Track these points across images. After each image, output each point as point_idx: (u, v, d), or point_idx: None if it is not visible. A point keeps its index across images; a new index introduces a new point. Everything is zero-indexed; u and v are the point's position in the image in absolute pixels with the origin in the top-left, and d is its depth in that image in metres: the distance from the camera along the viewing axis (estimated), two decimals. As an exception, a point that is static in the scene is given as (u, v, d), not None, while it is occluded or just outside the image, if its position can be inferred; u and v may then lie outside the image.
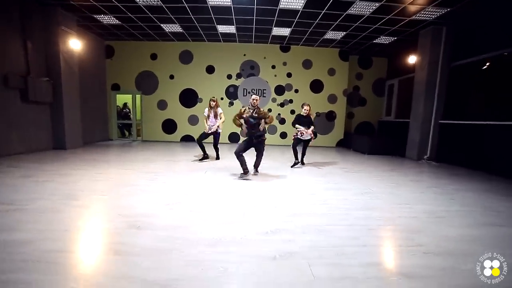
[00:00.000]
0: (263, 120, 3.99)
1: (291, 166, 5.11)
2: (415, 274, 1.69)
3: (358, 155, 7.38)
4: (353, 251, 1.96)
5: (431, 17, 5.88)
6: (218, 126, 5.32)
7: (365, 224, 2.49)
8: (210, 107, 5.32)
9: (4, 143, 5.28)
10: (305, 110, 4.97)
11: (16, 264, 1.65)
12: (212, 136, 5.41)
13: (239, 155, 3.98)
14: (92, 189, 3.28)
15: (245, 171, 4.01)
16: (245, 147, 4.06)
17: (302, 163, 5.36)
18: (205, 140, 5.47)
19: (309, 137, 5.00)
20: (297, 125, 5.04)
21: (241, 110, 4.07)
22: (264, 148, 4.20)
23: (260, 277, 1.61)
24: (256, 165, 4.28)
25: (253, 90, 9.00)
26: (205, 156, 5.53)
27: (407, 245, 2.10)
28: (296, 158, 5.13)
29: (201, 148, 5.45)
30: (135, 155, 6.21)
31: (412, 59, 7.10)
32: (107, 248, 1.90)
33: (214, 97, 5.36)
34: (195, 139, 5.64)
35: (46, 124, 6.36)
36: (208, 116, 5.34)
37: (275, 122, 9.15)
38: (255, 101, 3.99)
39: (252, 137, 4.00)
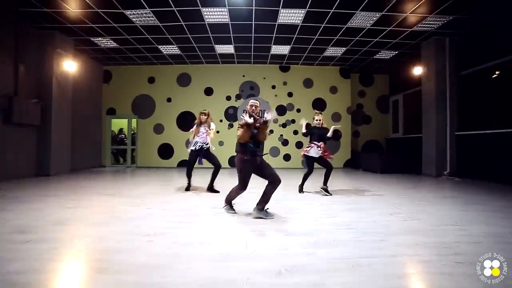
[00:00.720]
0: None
1: (299, 190, 4.13)
2: None
3: (370, 175, 6.73)
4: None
5: (433, 27, 5.73)
6: (208, 143, 4.20)
7: (413, 254, 1.83)
8: (201, 123, 4.20)
9: (-24, 170, 4.73)
10: (317, 120, 4.09)
11: None
12: (202, 157, 4.16)
13: (242, 189, 2.75)
14: (56, 218, 2.64)
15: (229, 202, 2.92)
16: (251, 173, 2.72)
17: (326, 191, 3.96)
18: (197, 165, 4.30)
19: (319, 153, 3.89)
20: (302, 121, 4.19)
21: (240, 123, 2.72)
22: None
23: None
24: (269, 198, 2.73)
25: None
26: (189, 185, 4.32)
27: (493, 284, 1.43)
28: (302, 183, 4.14)
29: (188, 176, 4.30)
30: (123, 181, 5.60)
31: (417, 71, 6.84)
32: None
33: (205, 110, 4.34)
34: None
35: (30, 148, 5.86)
36: (197, 131, 4.19)
37: (278, 144, 8.64)
38: (254, 107, 2.78)
39: (256, 155, 2.64)
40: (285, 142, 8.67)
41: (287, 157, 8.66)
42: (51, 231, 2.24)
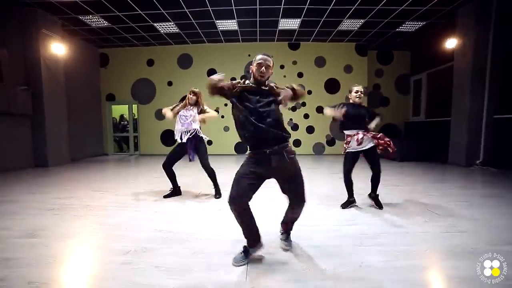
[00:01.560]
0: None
1: (342, 207, 2.75)
2: None
3: (389, 163, 6.10)
4: None
5: (475, -11, 4.76)
6: (199, 128, 3.13)
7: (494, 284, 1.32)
8: (188, 104, 3.11)
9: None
10: (357, 95, 2.67)
11: None
12: (188, 148, 3.07)
13: (238, 203, 1.56)
14: (27, 226, 2.27)
15: (255, 242, 1.69)
16: (251, 184, 1.58)
17: (376, 201, 2.73)
18: (182, 164, 3.29)
19: (372, 144, 2.62)
20: (328, 110, 2.61)
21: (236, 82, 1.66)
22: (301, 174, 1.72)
23: None
24: (291, 226, 1.87)
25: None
26: (175, 191, 3.25)
27: None
28: (350, 193, 2.77)
29: (170, 177, 3.19)
30: (122, 172, 5.27)
31: (450, 44, 5.87)
32: None
33: (195, 89, 3.16)
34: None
35: (25, 139, 5.57)
36: (180, 115, 3.07)
37: (287, 128, 8.05)
38: (263, 68, 1.60)
39: (265, 151, 1.55)
40: (295, 127, 8.07)
41: (297, 143, 8.10)
42: (12, 247, 1.86)
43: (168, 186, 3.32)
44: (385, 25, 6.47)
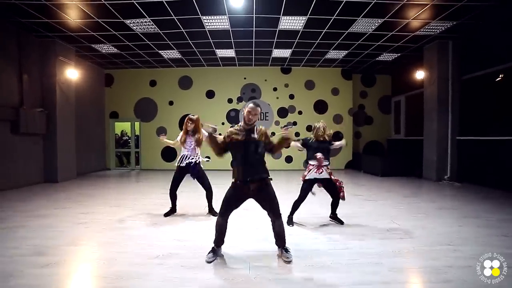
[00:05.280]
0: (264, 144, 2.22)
1: (288, 222, 3.08)
2: None
3: (370, 178, 6.82)
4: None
5: (436, 31, 5.68)
6: (198, 155, 3.46)
7: (405, 281, 1.93)
8: (187, 132, 3.40)
9: (-11, 180, 4.90)
10: (320, 131, 3.11)
11: None
12: (193, 175, 3.44)
13: (223, 215, 2.24)
14: (69, 236, 2.78)
15: (220, 244, 2.31)
16: (235, 201, 2.23)
17: (336, 219, 3.21)
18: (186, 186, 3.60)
19: (326, 175, 3.01)
20: (293, 143, 3.00)
21: (228, 132, 2.24)
22: (275, 196, 2.24)
23: None
24: (282, 239, 2.26)
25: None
26: (173, 210, 3.59)
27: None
28: (291, 212, 3.15)
29: (172, 199, 3.56)
30: (129, 187, 5.75)
31: (419, 75, 6.82)
32: None
33: (193, 115, 3.44)
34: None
35: (37, 156, 6.02)
36: (185, 140, 3.41)
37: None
38: (251, 115, 2.13)
39: (246, 180, 2.10)
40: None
41: (288, 159, 8.75)
42: (66, 253, 2.38)
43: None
44: (366, 55, 7.37)
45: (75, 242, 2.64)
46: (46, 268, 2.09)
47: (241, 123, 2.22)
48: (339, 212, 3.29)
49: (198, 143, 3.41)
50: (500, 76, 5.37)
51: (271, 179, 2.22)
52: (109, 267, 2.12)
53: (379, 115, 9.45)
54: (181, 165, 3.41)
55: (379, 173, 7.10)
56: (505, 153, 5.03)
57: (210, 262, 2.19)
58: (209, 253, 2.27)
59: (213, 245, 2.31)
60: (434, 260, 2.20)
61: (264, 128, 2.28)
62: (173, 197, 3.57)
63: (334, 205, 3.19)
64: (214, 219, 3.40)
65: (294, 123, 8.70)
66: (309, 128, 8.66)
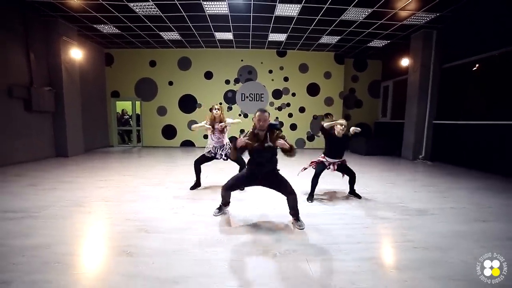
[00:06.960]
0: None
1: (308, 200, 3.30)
2: (407, 266, 1.83)
3: (355, 157, 7.53)
4: (348, 248, 2.10)
5: (422, 21, 6.09)
6: (228, 143, 3.64)
7: (361, 223, 2.63)
8: (214, 119, 3.54)
9: (9, 152, 5.39)
10: (342, 128, 3.46)
11: (37, 266, 1.76)
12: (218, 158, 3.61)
13: (228, 189, 2.62)
14: (97, 195, 3.39)
15: (226, 204, 2.80)
16: (244, 183, 2.62)
17: (355, 194, 3.51)
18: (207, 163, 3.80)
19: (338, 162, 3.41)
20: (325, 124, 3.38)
21: (246, 136, 2.44)
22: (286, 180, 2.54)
23: (264, 270, 1.74)
24: (295, 211, 2.52)
25: (251, 95, 9.16)
26: (197, 184, 3.79)
27: (400, 240, 2.23)
28: (312, 191, 3.35)
29: (196, 173, 3.73)
30: (135, 161, 6.32)
31: (405, 62, 7.30)
32: (120, 250, 2.02)
33: (218, 104, 3.69)
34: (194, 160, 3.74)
35: (48, 132, 6.47)
36: (212, 128, 3.55)
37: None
38: (261, 121, 2.39)
39: (256, 172, 2.49)
40: (280, 124, 9.30)
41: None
42: (99, 206, 3.00)
43: (177, 170, 4.43)
44: (358, 41, 7.74)
45: (104, 199, 3.25)
46: (89, 214, 2.72)
47: (256, 129, 2.44)
48: (324, 181, 3.95)
49: (222, 132, 3.56)
50: (476, 66, 5.92)
51: (278, 170, 2.58)
52: (136, 214, 2.76)
53: (369, 99, 9.99)
54: (216, 157, 3.57)
55: (363, 153, 7.81)
56: (472, 136, 5.72)
57: (216, 216, 2.75)
58: (216, 209, 2.83)
59: (220, 203, 2.80)
60: (386, 211, 2.91)
61: (281, 134, 2.48)
62: (198, 170, 3.71)
63: (352, 183, 3.46)
64: (211, 182, 4.03)
65: (288, 105, 9.20)
66: (301, 109, 9.20)
